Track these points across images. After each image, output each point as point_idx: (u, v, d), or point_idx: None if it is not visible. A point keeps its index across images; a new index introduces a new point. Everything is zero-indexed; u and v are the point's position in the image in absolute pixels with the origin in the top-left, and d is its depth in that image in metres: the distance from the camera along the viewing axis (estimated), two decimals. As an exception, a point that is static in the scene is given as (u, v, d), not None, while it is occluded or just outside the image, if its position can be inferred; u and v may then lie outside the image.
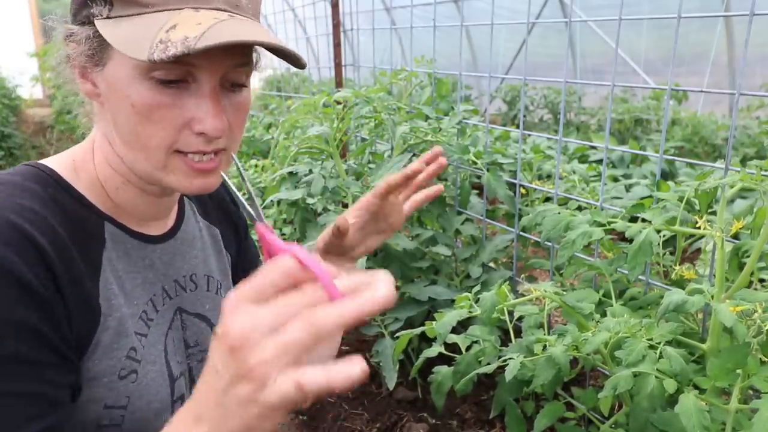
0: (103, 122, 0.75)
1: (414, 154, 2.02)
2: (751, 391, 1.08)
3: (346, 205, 1.86)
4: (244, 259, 1.05)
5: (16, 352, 0.62)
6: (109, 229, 0.77)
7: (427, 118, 2.02)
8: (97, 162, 0.78)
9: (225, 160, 0.75)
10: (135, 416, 0.75)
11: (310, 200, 1.94)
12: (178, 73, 0.68)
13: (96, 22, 0.68)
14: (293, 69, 7.08)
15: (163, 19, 0.66)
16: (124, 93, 0.69)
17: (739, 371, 0.99)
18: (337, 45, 2.77)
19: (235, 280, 1.02)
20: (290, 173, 2.13)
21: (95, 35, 0.69)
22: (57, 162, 0.78)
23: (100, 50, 0.70)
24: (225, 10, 0.69)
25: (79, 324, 0.70)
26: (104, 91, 0.71)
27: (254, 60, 0.75)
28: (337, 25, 2.75)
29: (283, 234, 2.77)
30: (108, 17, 0.68)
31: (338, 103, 2.05)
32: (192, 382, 0.88)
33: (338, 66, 2.82)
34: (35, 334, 0.63)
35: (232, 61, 0.70)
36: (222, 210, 1.01)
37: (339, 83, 2.85)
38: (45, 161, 0.78)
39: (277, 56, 0.70)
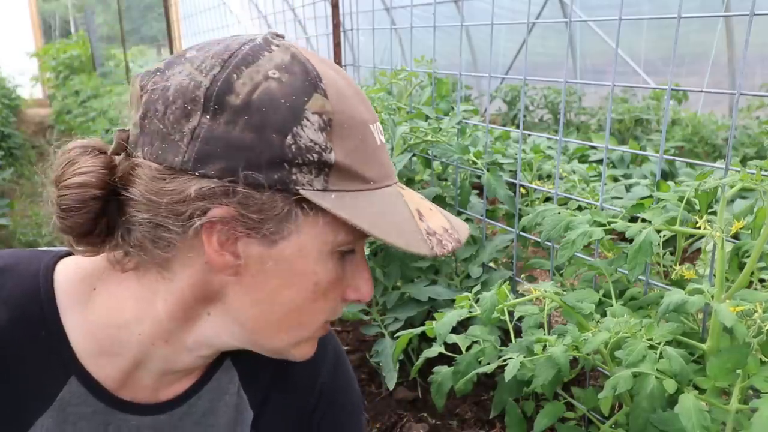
0: (202, 288, 0.62)
1: (414, 154, 2.02)
2: (751, 391, 1.08)
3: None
4: None
5: None
6: (72, 388, 0.65)
7: (427, 118, 2.02)
8: (125, 306, 0.65)
9: None
10: None
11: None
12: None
13: (304, 192, 0.57)
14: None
15: (393, 200, 0.61)
16: (309, 270, 0.61)
17: (739, 371, 0.99)
18: (337, 45, 2.78)
19: None
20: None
21: (305, 206, 0.58)
22: (72, 279, 0.66)
23: (281, 222, 0.58)
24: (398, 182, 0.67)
25: None
26: (268, 266, 0.60)
27: None
28: (337, 25, 2.75)
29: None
30: (325, 189, 0.57)
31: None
32: None
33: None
34: None
35: None
36: (288, 384, 0.81)
37: (339, 83, 2.85)
38: (65, 264, 0.67)
39: None
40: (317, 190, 0.57)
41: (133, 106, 0.61)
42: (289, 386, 0.81)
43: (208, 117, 0.56)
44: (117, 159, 0.62)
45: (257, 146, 0.55)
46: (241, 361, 0.77)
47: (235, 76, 0.56)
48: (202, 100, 0.56)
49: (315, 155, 0.56)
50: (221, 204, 0.56)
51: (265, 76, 0.57)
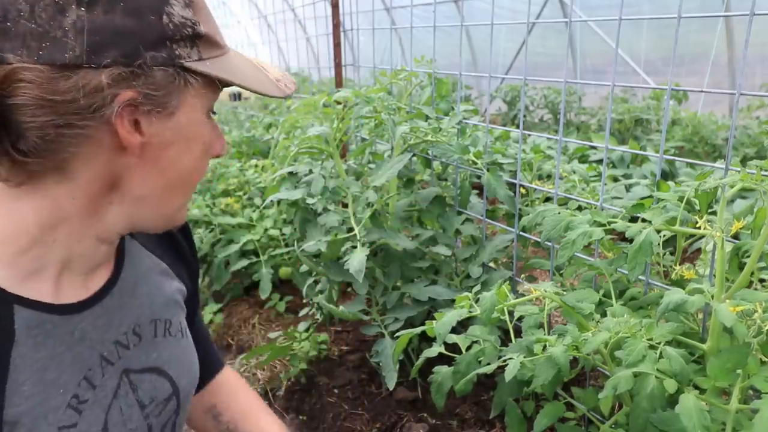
0: (105, 177, 0.66)
1: (414, 154, 2.02)
2: (751, 391, 1.08)
3: (345, 205, 1.85)
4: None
5: None
6: (21, 314, 0.65)
7: (427, 118, 2.01)
8: (28, 220, 0.65)
9: None
10: None
11: (310, 200, 1.94)
12: None
13: (188, 64, 0.64)
14: (293, 69, 7.09)
15: (241, 60, 0.72)
16: (198, 134, 0.70)
17: (739, 371, 0.99)
18: (337, 45, 2.78)
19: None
20: (290, 173, 2.13)
21: (192, 76, 0.66)
22: None
23: (178, 95, 0.65)
24: None
25: None
26: (167, 138, 0.67)
27: None
28: (337, 25, 2.75)
29: (283, 234, 2.77)
30: (201, 59, 0.66)
31: (338, 103, 2.05)
32: None
33: (338, 66, 2.82)
34: None
35: None
36: (173, 250, 0.93)
37: (339, 83, 2.86)
38: None
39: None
40: (195, 60, 0.65)
41: None
42: (172, 254, 0.93)
43: (83, 9, 0.57)
44: None
45: (141, 29, 0.60)
46: (137, 234, 0.86)
47: None
48: None
49: (189, 29, 0.64)
50: (127, 88, 0.61)
51: None
